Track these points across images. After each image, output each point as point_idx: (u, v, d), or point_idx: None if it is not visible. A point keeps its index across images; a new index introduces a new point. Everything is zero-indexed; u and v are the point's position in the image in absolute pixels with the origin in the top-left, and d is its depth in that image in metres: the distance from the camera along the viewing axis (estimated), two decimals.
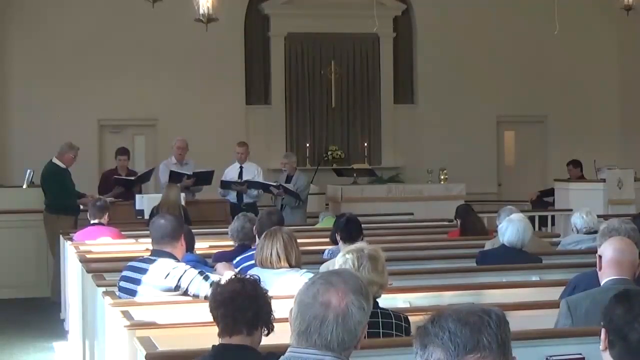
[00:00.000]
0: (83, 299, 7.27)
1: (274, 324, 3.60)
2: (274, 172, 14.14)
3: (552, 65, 16.36)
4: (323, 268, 6.19)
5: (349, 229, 6.70)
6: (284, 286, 5.00)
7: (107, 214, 9.18)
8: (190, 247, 6.15)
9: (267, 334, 3.58)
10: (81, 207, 10.93)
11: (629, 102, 16.76)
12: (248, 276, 3.79)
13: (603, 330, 2.64)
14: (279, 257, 5.28)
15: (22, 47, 14.72)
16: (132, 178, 11.78)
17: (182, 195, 10.90)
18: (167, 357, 3.91)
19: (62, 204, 10.95)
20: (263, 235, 5.51)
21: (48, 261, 11.20)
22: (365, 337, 2.74)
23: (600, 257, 4.56)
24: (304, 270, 5.44)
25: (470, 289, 5.87)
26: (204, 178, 11.72)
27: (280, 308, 3.67)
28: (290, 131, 15.95)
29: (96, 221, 9.10)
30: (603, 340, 2.63)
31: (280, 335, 3.41)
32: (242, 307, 3.54)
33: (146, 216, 10.69)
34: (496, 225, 7.52)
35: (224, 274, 5.32)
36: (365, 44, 16.09)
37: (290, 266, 5.31)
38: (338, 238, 6.78)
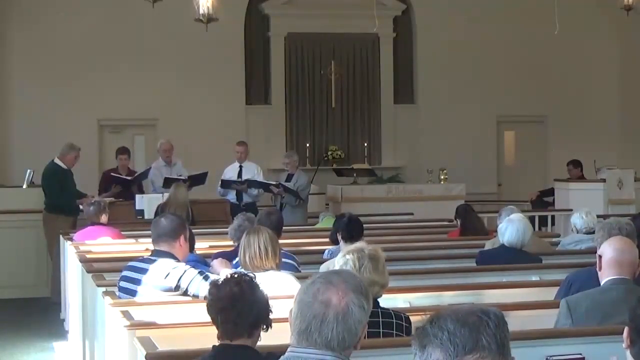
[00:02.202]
0: (83, 299, 7.27)
1: (273, 323, 3.60)
2: (274, 172, 14.14)
3: (552, 65, 16.36)
4: (323, 268, 6.19)
5: (350, 229, 6.69)
6: (276, 286, 4.96)
7: (105, 214, 9.14)
8: (190, 247, 6.14)
9: (266, 331, 3.59)
10: (81, 207, 10.93)
11: (629, 102, 16.76)
12: (243, 274, 3.78)
13: (626, 329, 2.65)
14: (267, 250, 5.23)
15: (22, 47, 14.71)
16: (130, 178, 11.77)
17: None
18: (167, 357, 3.91)
19: (61, 204, 10.96)
20: (245, 233, 5.47)
21: (48, 261, 11.20)
22: (365, 337, 2.74)
23: (600, 257, 4.56)
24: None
25: (470, 289, 5.87)
26: (198, 179, 11.72)
27: (279, 308, 3.68)
28: (290, 131, 15.95)
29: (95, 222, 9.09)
30: (626, 338, 2.64)
31: (280, 335, 3.40)
32: (243, 313, 3.53)
33: (147, 216, 10.69)
34: (496, 225, 7.52)
35: (221, 271, 5.31)
36: (365, 44, 16.08)
37: (276, 265, 5.28)
38: (339, 237, 6.77)
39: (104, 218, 9.11)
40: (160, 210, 9.88)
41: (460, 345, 2.09)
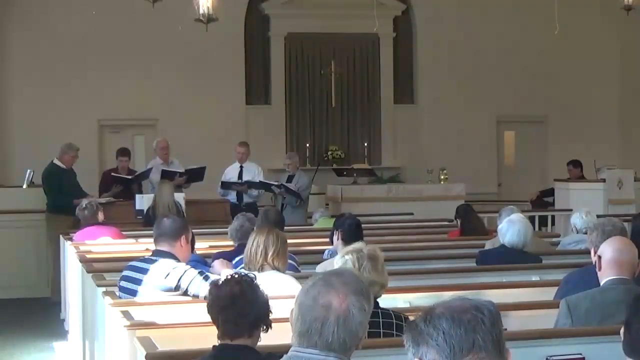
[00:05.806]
0: (83, 299, 7.27)
1: (273, 323, 3.60)
2: (274, 172, 14.14)
3: (552, 65, 16.36)
4: (320, 269, 6.17)
5: (351, 231, 6.65)
6: (276, 286, 4.95)
7: (100, 212, 9.12)
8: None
9: (266, 331, 3.59)
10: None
11: (628, 103, 16.76)
12: (243, 274, 3.78)
13: (622, 328, 2.66)
14: (268, 250, 5.19)
15: (21, 47, 14.71)
16: (130, 177, 11.77)
17: (182, 195, 10.92)
18: (167, 357, 3.91)
19: (61, 204, 10.97)
20: (255, 230, 5.46)
21: (48, 261, 11.21)
22: (365, 337, 2.74)
23: (599, 257, 4.55)
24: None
25: (470, 289, 5.86)
26: (196, 175, 11.70)
27: (279, 308, 3.68)
28: (290, 131, 15.95)
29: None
30: (622, 335, 2.65)
31: (280, 335, 3.40)
32: (243, 313, 3.53)
33: None
34: (496, 225, 7.51)
35: (222, 272, 5.31)
36: (365, 44, 16.08)
37: (276, 267, 5.26)
38: (337, 239, 6.74)
39: (100, 216, 9.10)
40: (151, 213, 9.89)
41: (456, 347, 2.08)
